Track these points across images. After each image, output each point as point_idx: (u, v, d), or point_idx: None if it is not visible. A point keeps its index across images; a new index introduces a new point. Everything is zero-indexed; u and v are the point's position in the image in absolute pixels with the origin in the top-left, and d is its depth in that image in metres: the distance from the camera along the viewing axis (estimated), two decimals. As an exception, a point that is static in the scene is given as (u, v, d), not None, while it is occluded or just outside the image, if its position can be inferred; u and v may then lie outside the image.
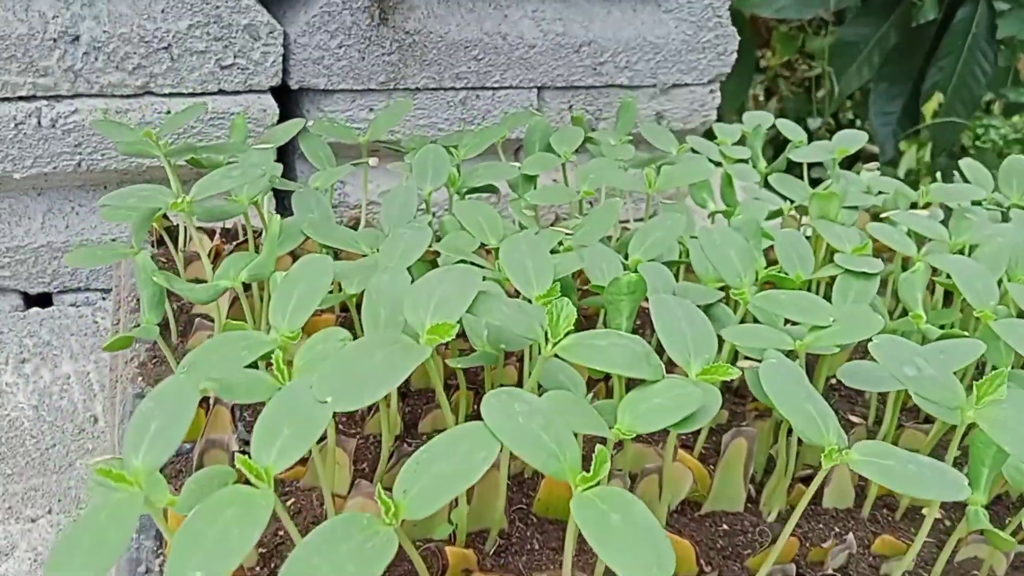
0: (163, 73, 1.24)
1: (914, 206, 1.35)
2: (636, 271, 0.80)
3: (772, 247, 0.99)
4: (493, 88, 1.54)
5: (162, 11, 1.22)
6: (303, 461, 0.76)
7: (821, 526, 0.84)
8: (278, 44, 1.31)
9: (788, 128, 1.39)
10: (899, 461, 0.62)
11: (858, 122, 3.52)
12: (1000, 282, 1.01)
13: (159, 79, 1.24)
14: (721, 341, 0.77)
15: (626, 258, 0.94)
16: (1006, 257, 1.03)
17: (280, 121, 1.32)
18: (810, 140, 1.38)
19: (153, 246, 1.18)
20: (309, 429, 0.56)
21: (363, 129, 1.46)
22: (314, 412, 0.56)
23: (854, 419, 1.01)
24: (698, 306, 0.75)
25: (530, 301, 0.75)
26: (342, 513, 0.55)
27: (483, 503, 0.72)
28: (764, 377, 0.66)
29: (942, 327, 0.94)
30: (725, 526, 0.82)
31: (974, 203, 1.37)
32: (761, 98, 3.56)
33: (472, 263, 0.83)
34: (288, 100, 1.44)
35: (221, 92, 1.29)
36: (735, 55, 1.75)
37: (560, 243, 0.95)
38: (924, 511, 0.86)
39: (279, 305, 0.70)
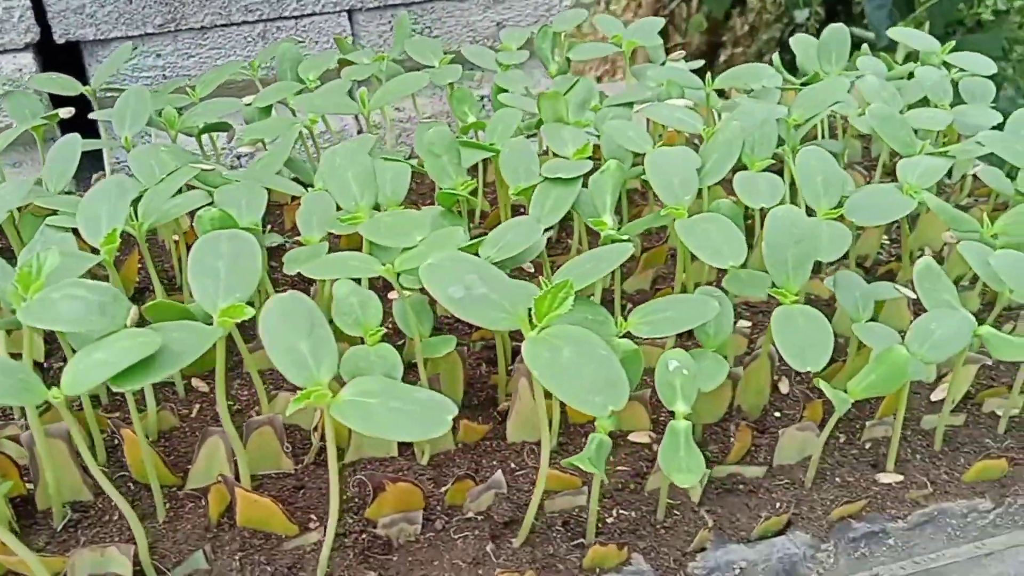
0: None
1: (721, 94, 1.23)
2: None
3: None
4: (294, 17, 1.45)
5: None
6: None
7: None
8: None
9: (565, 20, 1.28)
10: (385, 400, 0.55)
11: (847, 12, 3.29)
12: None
13: None
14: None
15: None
16: (739, 143, 0.92)
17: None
18: (794, 32, 1.27)
19: None
20: None
21: (152, 78, 1.40)
22: None
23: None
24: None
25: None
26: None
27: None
28: (263, 318, 0.59)
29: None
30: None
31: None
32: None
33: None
34: (70, 56, 1.37)
35: (-28, 54, 1.24)
36: (571, -47, 1.61)
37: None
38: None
39: None
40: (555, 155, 0.96)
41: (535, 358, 0.58)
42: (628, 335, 0.76)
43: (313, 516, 0.74)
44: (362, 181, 0.76)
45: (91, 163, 1.28)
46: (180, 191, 0.82)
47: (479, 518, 0.76)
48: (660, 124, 1.19)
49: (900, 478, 0.85)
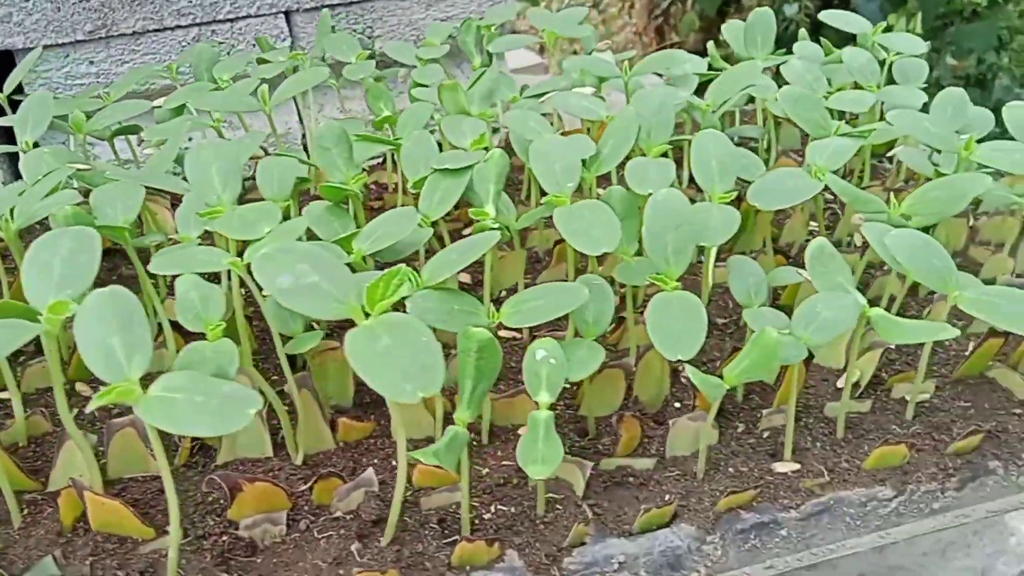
0: None
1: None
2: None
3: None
4: (228, 20, 1.45)
5: None
6: None
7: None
8: (-58, 8, 1.24)
9: (495, 13, 1.26)
10: (190, 395, 0.54)
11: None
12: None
13: None
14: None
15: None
16: (635, 128, 0.90)
17: None
18: (789, 28, 1.26)
19: None
20: None
21: (86, 85, 1.40)
22: None
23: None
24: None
25: None
26: None
27: None
28: (79, 313, 0.58)
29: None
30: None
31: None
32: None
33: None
34: (4, 64, 1.37)
35: None
36: (513, -55, 1.60)
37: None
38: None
39: None
40: (452, 146, 0.95)
41: (354, 348, 0.56)
42: (501, 326, 0.75)
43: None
44: (225, 176, 0.75)
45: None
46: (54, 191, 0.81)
47: (348, 517, 0.74)
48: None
49: (796, 467, 0.82)
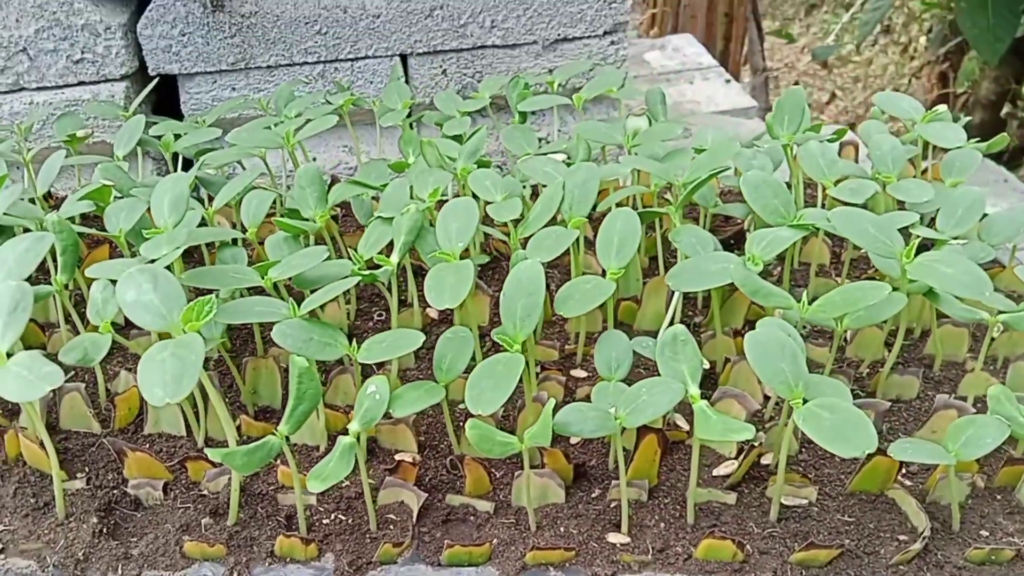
0: (26, 71, 1.55)
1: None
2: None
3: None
4: (349, 60, 1.66)
5: (16, 20, 1.52)
6: None
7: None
8: (117, 38, 1.55)
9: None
10: (20, 370, 0.71)
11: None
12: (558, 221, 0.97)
13: (24, 76, 1.55)
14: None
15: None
16: (558, 199, 0.98)
17: (167, 102, 1.59)
18: None
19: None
20: None
21: (226, 106, 1.66)
22: None
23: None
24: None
25: None
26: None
27: None
28: (-12, 297, 0.77)
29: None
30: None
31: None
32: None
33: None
34: (172, 85, 1.68)
35: (81, 83, 1.57)
36: (629, 1, 1.68)
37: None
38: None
39: None
40: (417, 197, 1.06)
41: (145, 355, 0.70)
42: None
43: (87, 469, 0.91)
44: (174, 204, 0.92)
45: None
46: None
47: (212, 496, 0.89)
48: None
49: (627, 540, 0.85)
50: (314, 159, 1.70)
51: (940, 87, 4.39)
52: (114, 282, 0.84)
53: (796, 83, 5.45)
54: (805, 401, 0.78)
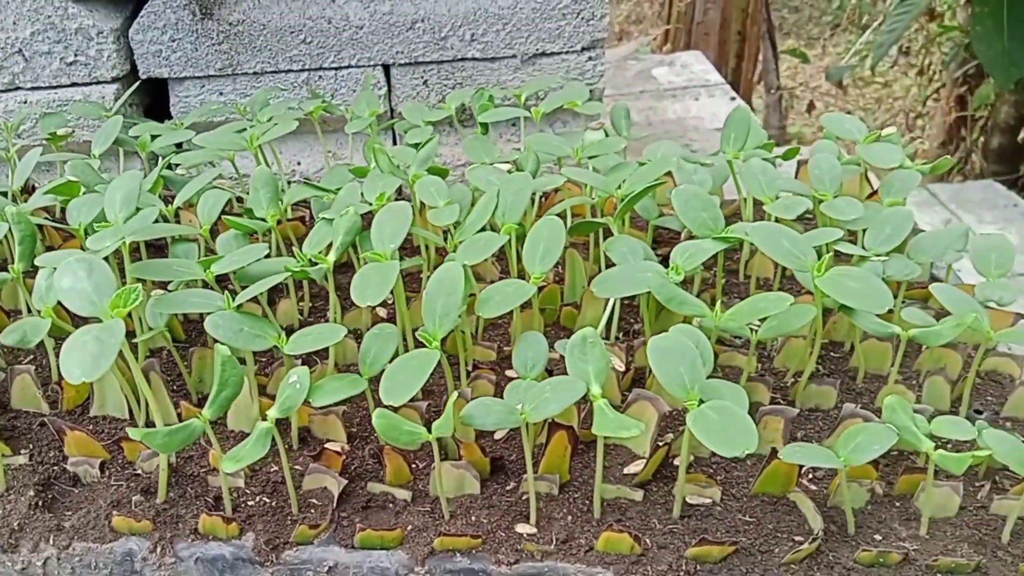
0: (21, 72, 1.62)
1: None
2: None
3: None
4: (332, 68, 1.72)
5: (13, 23, 1.60)
6: None
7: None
8: (109, 42, 1.62)
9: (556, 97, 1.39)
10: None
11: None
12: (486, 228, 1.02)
13: (19, 77, 1.62)
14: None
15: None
16: (492, 207, 1.02)
17: (159, 105, 1.65)
18: None
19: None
20: None
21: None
22: None
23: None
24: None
25: None
26: None
27: None
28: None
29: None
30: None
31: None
32: None
33: None
34: (164, 89, 1.75)
35: (73, 85, 1.64)
36: (606, 19, 1.72)
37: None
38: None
39: None
40: (365, 201, 1.11)
41: (68, 343, 0.76)
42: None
43: (31, 446, 0.96)
44: (125, 200, 0.98)
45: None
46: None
47: (144, 475, 0.94)
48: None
49: (534, 531, 0.89)
50: (299, 163, 1.77)
51: (958, 109, 4.39)
52: (58, 270, 0.90)
53: (811, 103, 5.47)
54: (702, 403, 0.82)
